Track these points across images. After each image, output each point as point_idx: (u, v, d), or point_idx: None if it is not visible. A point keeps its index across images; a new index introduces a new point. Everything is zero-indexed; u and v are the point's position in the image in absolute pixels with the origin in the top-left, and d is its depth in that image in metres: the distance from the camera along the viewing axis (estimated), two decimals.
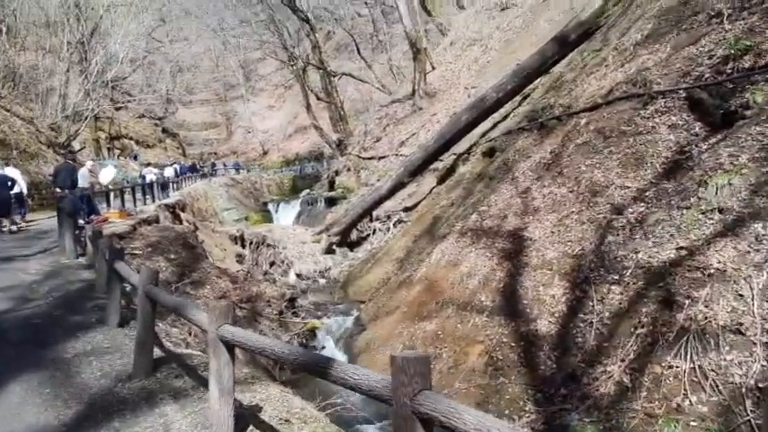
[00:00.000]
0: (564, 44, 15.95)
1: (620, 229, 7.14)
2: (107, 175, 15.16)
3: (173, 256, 9.77)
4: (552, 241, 7.87)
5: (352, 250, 19.13)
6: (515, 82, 16.42)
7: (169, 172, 27.44)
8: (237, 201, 38.27)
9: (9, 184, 12.80)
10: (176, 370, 4.74)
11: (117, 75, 39.47)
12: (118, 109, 48.31)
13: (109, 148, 39.08)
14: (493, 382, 6.70)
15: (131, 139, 51.16)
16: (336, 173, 30.65)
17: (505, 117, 17.00)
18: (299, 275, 17.27)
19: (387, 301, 10.76)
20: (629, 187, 7.67)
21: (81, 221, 11.20)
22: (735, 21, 8.23)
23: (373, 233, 18.67)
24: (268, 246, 18.86)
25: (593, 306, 6.54)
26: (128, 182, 21.12)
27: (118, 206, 14.53)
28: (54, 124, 25.21)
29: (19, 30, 28.08)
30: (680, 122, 7.98)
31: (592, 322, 6.40)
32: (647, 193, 7.34)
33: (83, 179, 13.02)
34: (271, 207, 36.64)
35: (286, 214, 32.97)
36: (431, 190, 18.61)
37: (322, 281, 17.19)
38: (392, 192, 18.49)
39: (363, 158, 28.26)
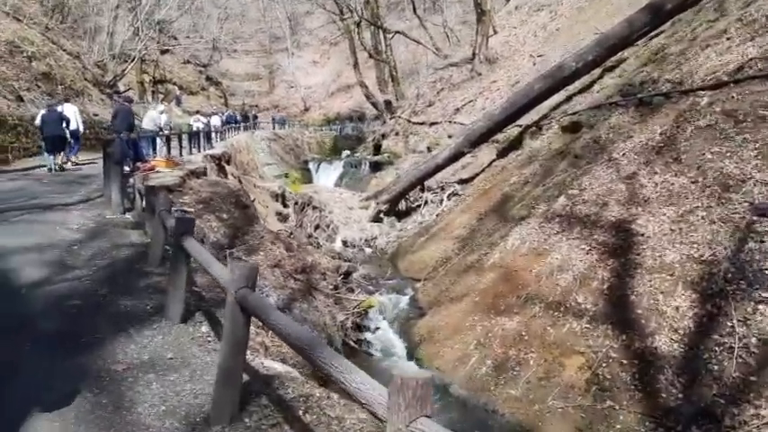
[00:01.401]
0: (657, 14, 14.27)
1: (766, 234, 5.90)
2: (161, 118, 14.41)
3: (225, 216, 8.87)
4: (672, 240, 6.65)
5: (399, 220, 18.10)
6: (597, 52, 14.84)
7: (215, 121, 26.56)
8: (278, 156, 37.42)
9: (63, 123, 12.48)
10: (271, 411, 3.50)
11: (164, 17, 38.57)
12: (163, 52, 47.52)
13: (153, 92, 38.47)
14: (599, 406, 5.63)
15: (175, 84, 50.57)
16: (383, 136, 29.45)
17: (582, 90, 15.52)
18: (344, 242, 16.37)
19: (450, 284, 9.70)
20: None
21: (126, 168, 10.37)
22: None
23: (424, 204, 17.56)
24: (314, 208, 17.96)
25: (732, 327, 5.37)
26: (171, 128, 20.29)
27: (164, 154, 13.70)
28: (101, 62, 24.47)
29: None
30: None
31: (732, 347, 5.24)
32: None
33: (150, 122, 12.38)
34: (311, 166, 35.73)
35: (327, 175, 32.04)
36: (490, 163, 17.33)
37: (368, 250, 16.26)
38: (449, 161, 17.28)
39: (413, 123, 26.92)
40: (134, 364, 4.01)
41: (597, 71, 15.40)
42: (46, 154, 12.66)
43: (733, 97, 7.92)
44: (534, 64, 23.30)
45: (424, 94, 28.23)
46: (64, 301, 5.04)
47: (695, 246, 6.39)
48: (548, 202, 9.52)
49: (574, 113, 12.63)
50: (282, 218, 20.94)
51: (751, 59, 8.28)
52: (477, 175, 17.42)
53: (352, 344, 8.65)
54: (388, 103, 33.02)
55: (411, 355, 8.37)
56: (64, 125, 12.49)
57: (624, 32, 14.63)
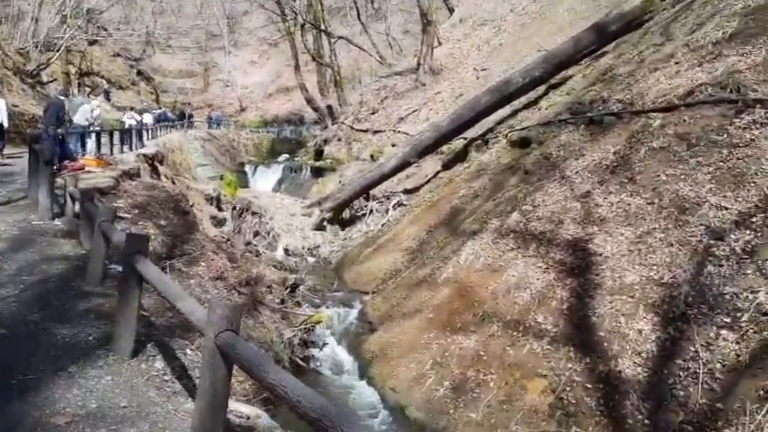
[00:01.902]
0: (602, 34, 14.77)
1: (724, 258, 5.96)
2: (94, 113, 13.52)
3: (163, 223, 8.20)
4: (631, 261, 6.65)
5: (343, 229, 17.73)
6: (544, 68, 15.14)
7: (147, 118, 25.25)
8: (213, 157, 36.24)
9: None
10: None
11: (94, 6, 36.54)
12: (92, 44, 45.03)
13: (79, 84, 36.23)
14: None
15: (103, 77, 48.04)
16: (325, 141, 28.98)
17: (527, 106, 15.72)
18: (286, 251, 15.80)
19: (402, 299, 9.42)
20: (727, 208, 6.48)
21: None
22: None
23: (370, 213, 17.25)
24: (253, 213, 17.27)
25: (696, 352, 5.36)
26: (100, 124, 19.05)
27: (93, 151, 12.70)
28: (23, 50, 22.65)
29: None
30: None
31: (696, 373, 5.22)
32: (753, 219, 6.17)
33: (81, 116, 11.49)
34: (248, 169, 34.81)
35: (265, 178, 31.25)
36: (435, 174, 17.29)
37: (311, 259, 15.77)
38: (396, 170, 17.12)
39: (357, 130, 26.65)
40: (79, 414, 3.24)
41: (542, 88, 15.66)
42: None
43: (685, 120, 8.08)
44: (477, 77, 23.59)
45: (368, 102, 28.03)
46: None
47: (655, 267, 6.40)
48: (500, 217, 9.43)
49: (522, 129, 12.70)
50: (217, 222, 20.12)
51: (701, 84, 8.50)
52: (423, 185, 17.33)
53: (300, 361, 8.21)
54: (329, 108, 32.56)
55: (362, 374, 8.04)
56: None
57: (570, 51, 14.98)
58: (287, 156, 41.63)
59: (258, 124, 57.30)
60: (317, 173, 25.86)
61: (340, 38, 33.29)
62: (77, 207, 6.78)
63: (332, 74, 33.17)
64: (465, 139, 16.88)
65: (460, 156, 16.77)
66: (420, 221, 12.80)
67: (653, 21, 13.55)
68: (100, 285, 5.28)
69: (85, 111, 12.41)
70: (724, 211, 6.49)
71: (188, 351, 4.29)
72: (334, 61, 30.50)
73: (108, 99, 33.78)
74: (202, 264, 7.93)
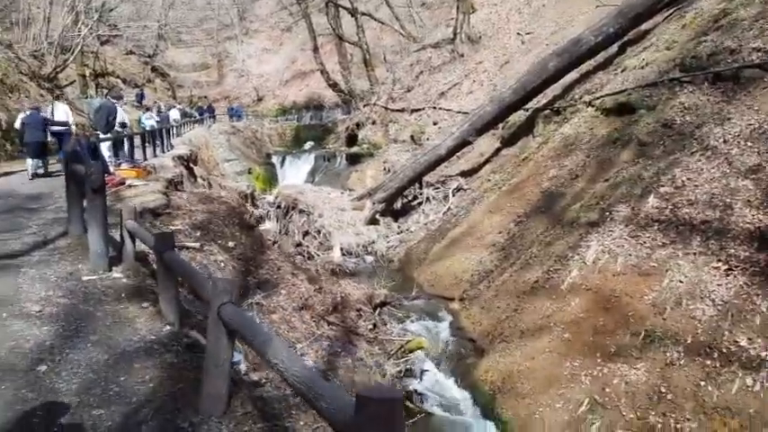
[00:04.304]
0: None
1: None
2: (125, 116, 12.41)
3: (231, 244, 6.71)
4: None
5: (396, 221, 16.17)
6: (620, 24, 13.30)
7: (175, 114, 23.77)
8: (239, 151, 34.79)
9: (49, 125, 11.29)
10: None
11: (104, 3, 35.09)
12: (104, 43, 43.66)
13: (97, 86, 34.88)
14: None
15: (118, 77, 46.73)
16: (358, 125, 27.30)
17: (598, 67, 13.90)
18: (341, 251, 14.30)
19: (512, 311, 7.83)
20: None
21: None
22: None
23: (426, 201, 15.67)
24: (300, 212, 15.78)
25: None
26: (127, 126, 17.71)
27: (126, 160, 11.23)
28: (38, 52, 21.26)
29: None
30: None
31: None
32: None
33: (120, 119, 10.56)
34: (275, 160, 33.26)
35: (295, 169, 29.66)
36: (496, 152, 15.63)
37: (369, 258, 14.28)
38: (453, 152, 15.48)
39: (392, 110, 24.93)
40: None
41: (614, 47, 13.83)
42: (28, 159, 11.08)
43: None
44: (523, 42, 21.67)
45: (401, 79, 26.22)
46: None
47: None
48: (627, 202, 7.75)
49: (617, 93, 10.89)
50: (254, 220, 18.74)
51: None
52: (482, 166, 15.71)
53: (405, 400, 6.70)
54: (351, 90, 30.73)
55: (487, 414, 6.48)
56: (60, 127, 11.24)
57: (648, 1, 13.10)
58: (312, 143, 40.10)
59: (277, 113, 55.69)
60: (353, 160, 24.23)
61: (364, 14, 31.36)
62: (137, 244, 5.09)
63: (356, 53, 31.32)
64: (526, 110, 15.16)
65: (524, 130, 15.06)
66: (502, 210, 11.15)
67: None
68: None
69: (120, 114, 11.04)
70: None
71: None
72: (362, 39, 28.63)
73: (140, 102, 32.54)
74: (283, 291, 6.44)
